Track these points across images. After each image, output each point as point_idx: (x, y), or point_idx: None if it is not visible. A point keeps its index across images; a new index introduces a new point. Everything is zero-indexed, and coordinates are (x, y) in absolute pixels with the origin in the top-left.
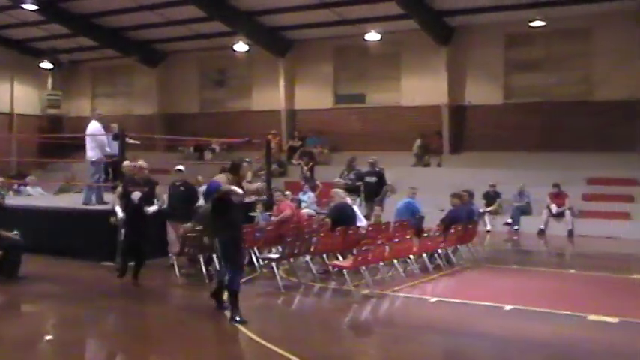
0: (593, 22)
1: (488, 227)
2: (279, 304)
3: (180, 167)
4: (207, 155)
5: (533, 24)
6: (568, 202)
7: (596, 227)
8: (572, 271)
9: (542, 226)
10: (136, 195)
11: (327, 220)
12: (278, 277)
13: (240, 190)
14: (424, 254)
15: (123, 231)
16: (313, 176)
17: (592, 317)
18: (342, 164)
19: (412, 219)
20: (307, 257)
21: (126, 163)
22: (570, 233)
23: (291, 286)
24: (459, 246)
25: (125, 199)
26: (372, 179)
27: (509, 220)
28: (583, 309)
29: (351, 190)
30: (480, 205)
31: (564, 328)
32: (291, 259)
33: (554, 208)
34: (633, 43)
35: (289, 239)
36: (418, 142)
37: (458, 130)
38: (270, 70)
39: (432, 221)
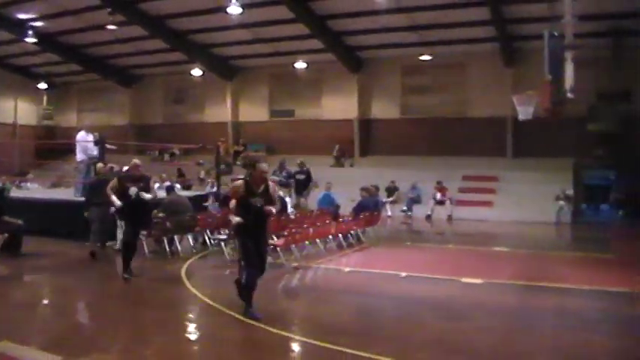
0: (467, 58)
1: (389, 213)
2: (226, 275)
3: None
4: (167, 157)
5: (422, 58)
6: (448, 193)
7: (468, 212)
8: (450, 246)
9: (429, 212)
10: (133, 190)
11: None
12: (226, 253)
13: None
14: (340, 235)
15: (122, 223)
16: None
17: (464, 280)
18: (275, 165)
19: (331, 207)
20: None
21: (99, 165)
22: (449, 218)
23: (235, 261)
24: (367, 228)
25: (120, 194)
26: (301, 176)
27: (405, 208)
28: (458, 274)
29: (284, 186)
30: (383, 196)
31: (445, 289)
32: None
33: (438, 196)
34: (496, 74)
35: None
36: (336, 148)
37: (366, 139)
38: (219, 90)
39: (346, 209)
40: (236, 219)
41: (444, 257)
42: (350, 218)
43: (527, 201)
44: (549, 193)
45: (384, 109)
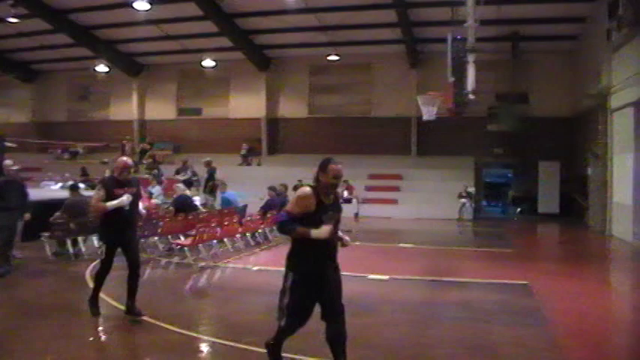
0: (373, 59)
1: None
2: None
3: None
4: (67, 155)
5: (330, 58)
6: (355, 192)
7: (374, 210)
8: (357, 243)
9: None
10: (128, 199)
11: (171, 208)
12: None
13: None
14: (247, 234)
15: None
16: (160, 173)
17: (371, 276)
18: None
19: (236, 206)
20: (155, 238)
21: (7, 162)
22: (356, 215)
23: (142, 261)
24: (274, 227)
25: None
26: (207, 176)
27: None
28: (365, 270)
29: (190, 184)
30: (290, 195)
31: (351, 285)
32: (143, 240)
33: (345, 194)
34: (402, 75)
35: (140, 224)
36: (244, 146)
37: (273, 138)
38: (125, 87)
39: (254, 208)
40: (312, 233)
41: (351, 254)
42: (258, 217)
43: (431, 198)
44: (452, 191)
45: (291, 108)
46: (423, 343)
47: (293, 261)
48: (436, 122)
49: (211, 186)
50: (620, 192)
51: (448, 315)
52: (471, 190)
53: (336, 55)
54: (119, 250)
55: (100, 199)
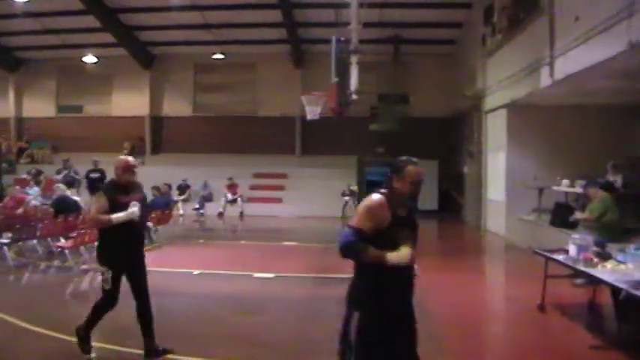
0: (258, 58)
1: (181, 212)
2: (10, 280)
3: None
4: None
5: (215, 56)
6: (239, 190)
7: (259, 209)
8: (243, 242)
9: (221, 210)
10: (136, 208)
11: (51, 209)
12: (9, 258)
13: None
14: None
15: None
16: (37, 173)
17: (257, 274)
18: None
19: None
20: (34, 241)
21: None
22: (241, 214)
23: (20, 266)
24: (159, 227)
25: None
26: (95, 175)
27: (197, 206)
28: (251, 269)
29: (70, 184)
30: (174, 194)
31: (238, 284)
32: (21, 243)
33: (229, 196)
34: (287, 75)
35: (18, 226)
36: (126, 145)
37: (157, 136)
38: (1, 83)
39: None
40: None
41: (237, 253)
42: None
43: (316, 196)
44: (336, 189)
45: (176, 107)
46: (310, 338)
47: (362, 297)
48: (320, 122)
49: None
50: (494, 189)
51: (333, 310)
52: (354, 188)
53: (222, 53)
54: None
55: (101, 209)
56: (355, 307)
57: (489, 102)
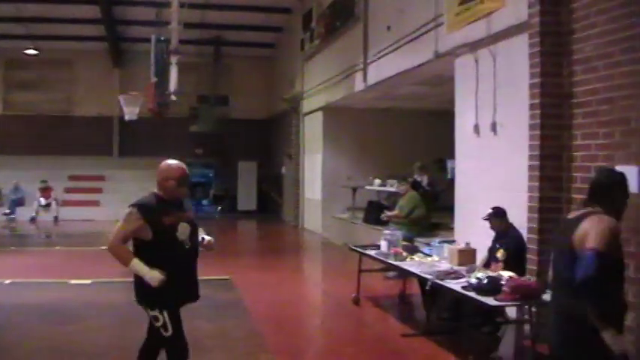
0: (76, 55)
1: None
2: None
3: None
4: None
5: (28, 52)
6: (54, 194)
7: (76, 213)
8: (57, 248)
9: (33, 214)
10: (185, 229)
11: None
12: None
13: None
14: None
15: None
16: None
17: (73, 281)
18: None
19: None
20: None
21: None
22: (56, 219)
23: None
24: None
25: (152, 246)
26: None
27: (7, 211)
28: (67, 276)
29: None
30: None
31: (53, 292)
32: None
33: (42, 200)
34: (105, 74)
35: None
36: None
37: None
38: None
39: None
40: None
41: (52, 260)
42: None
43: (135, 199)
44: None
45: None
46: (129, 344)
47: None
48: (139, 123)
49: None
50: (311, 188)
51: None
52: None
53: (35, 49)
54: None
55: (128, 236)
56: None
57: (307, 105)
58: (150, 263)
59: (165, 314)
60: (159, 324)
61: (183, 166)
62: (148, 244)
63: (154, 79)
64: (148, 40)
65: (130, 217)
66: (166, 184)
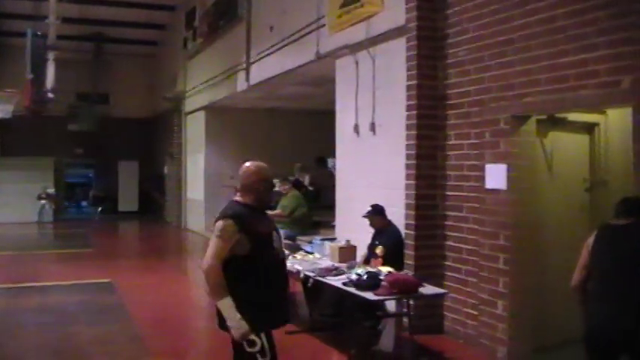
0: None
1: None
2: None
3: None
4: None
5: None
6: None
7: None
8: None
9: None
10: (277, 238)
11: None
12: None
13: None
14: None
15: None
16: None
17: None
18: None
19: None
20: None
21: None
22: None
23: None
24: None
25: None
26: None
27: None
28: None
29: None
30: None
31: None
32: None
33: None
34: None
35: None
36: None
37: None
38: None
39: None
40: None
41: None
42: None
43: (10, 201)
44: (32, 193)
45: None
46: (7, 353)
47: None
48: (14, 121)
49: None
50: (193, 189)
51: (31, 322)
52: (51, 191)
53: None
54: None
55: (227, 254)
56: None
57: (189, 104)
58: (246, 280)
59: (264, 337)
60: (256, 349)
61: (263, 166)
62: (241, 260)
63: (29, 76)
64: (24, 35)
65: (227, 231)
66: (259, 187)
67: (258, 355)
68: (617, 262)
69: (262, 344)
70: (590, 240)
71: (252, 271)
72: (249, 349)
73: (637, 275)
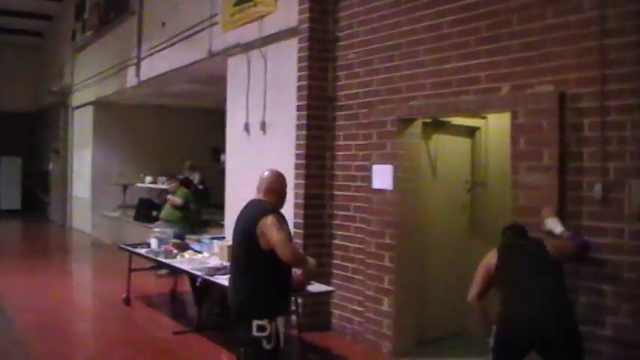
0: None
1: None
2: None
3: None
4: None
5: None
6: None
7: None
8: None
9: None
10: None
11: None
12: None
13: None
14: None
15: None
16: None
17: None
18: None
19: None
20: None
21: None
22: None
23: None
24: None
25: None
26: None
27: None
28: None
29: None
30: None
31: None
32: None
33: None
34: None
35: None
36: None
37: None
38: None
39: None
40: None
41: None
42: None
43: None
44: None
45: None
46: None
47: None
48: None
49: None
50: (80, 186)
51: None
52: None
53: None
54: None
55: (289, 237)
56: None
57: (77, 98)
58: (270, 272)
59: (273, 324)
60: (264, 334)
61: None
62: (265, 254)
63: None
64: None
65: (281, 222)
66: (282, 190)
67: (264, 341)
68: (529, 268)
69: (270, 330)
70: (491, 259)
71: (278, 262)
72: (257, 334)
73: (551, 275)
